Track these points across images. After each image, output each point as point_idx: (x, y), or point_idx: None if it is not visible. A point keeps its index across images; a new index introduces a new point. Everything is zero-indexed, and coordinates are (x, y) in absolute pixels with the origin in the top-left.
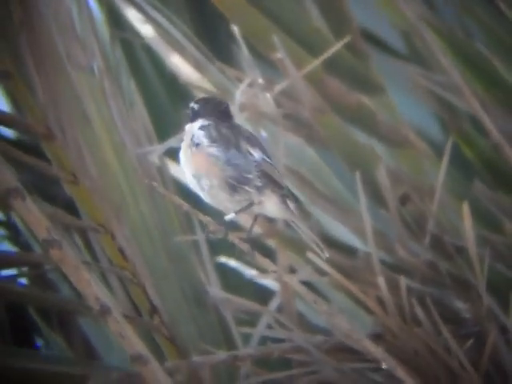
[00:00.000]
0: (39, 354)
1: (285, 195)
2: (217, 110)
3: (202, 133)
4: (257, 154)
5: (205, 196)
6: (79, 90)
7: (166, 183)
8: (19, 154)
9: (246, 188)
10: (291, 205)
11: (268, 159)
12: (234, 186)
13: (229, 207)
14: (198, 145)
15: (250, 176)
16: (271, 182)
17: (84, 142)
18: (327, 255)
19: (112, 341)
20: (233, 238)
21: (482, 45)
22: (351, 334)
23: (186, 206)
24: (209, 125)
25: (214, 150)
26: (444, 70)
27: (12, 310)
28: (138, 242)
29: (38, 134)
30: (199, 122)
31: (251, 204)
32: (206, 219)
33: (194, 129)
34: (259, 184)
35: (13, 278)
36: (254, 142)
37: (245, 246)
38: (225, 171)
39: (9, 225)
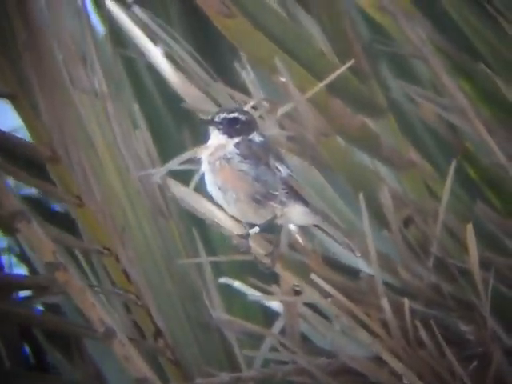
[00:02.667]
0: (48, 377)
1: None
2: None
3: (235, 149)
4: (283, 170)
5: (229, 208)
6: (83, 112)
7: (168, 205)
8: (24, 175)
9: (272, 203)
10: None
11: (292, 174)
12: (260, 201)
13: (252, 220)
14: (229, 159)
15: (277, 193)
16: (297, 197)
17: (88, 165)
18: (359, 255)
19: (118, 363)
20: (255, 251)
21: (486, 66)
22: (354, 356)
23: (209, 219)
24: (242, 141)
25: (244, 166)
26: (448, 92)
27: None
28: (142, 264)
29: (42, 155)
30: (236, 139)
31: (274, 217)
32: (230, 232)
33: (229, 144)
34: (284, 200)
35: (20, 300)
36: (281, 157)
37: (266, 260)
38: (253, 187)
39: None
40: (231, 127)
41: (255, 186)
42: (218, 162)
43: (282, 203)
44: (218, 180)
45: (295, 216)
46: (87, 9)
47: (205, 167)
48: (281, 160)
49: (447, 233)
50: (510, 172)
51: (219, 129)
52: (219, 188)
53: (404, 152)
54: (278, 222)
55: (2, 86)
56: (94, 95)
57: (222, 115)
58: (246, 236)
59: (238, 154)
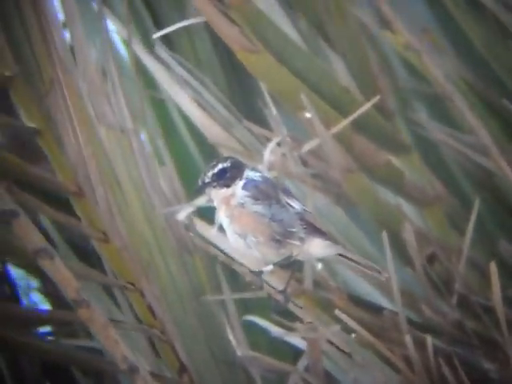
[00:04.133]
0: None
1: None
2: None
3: (245, 192)
4: (296, 205)
5: (251, 253)
6: (108, 149)
7: (194, 241)
8: (50, 211)
9: (291, 241)
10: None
11: (307, 208)
12: (280, 241)
13: (274, 261)
14: (242, 204)
15: (294, 230)
16: (315, 230)
17: (113, 201)
18: (386, 275)
19: None
20: (268, 289)
21: (509, 102)
22: None
23: (221, 257)
24: (248, 183)
25: (258, 207)
26: (472, 130)
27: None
28: (167, 300)
29: (68, 191)
30: (240, 182)
31: (290, 256)
32: (243, 270)
33: (237, 189)
34: (303, 236)
35: (45, 335)
36: (290, 192)
37: (279, 297)
38: (270, 227)
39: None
40: (223, 178)
41: (272, 226)
42: (235, 211)
43: (301, 239)
44: (237, 227)
45: (315, 250)
46: (115, 47)
47: (222, 220)
48: (290, 195)
49: (471, 270)
50: None
51: (214, 186)
52: (239, 235)
53: (428, 189)
54: (299, 257)
55: (29, 121)
56: (120, 131)
57: (210, 174)
58: (260, 273)
59: (248, 197)
